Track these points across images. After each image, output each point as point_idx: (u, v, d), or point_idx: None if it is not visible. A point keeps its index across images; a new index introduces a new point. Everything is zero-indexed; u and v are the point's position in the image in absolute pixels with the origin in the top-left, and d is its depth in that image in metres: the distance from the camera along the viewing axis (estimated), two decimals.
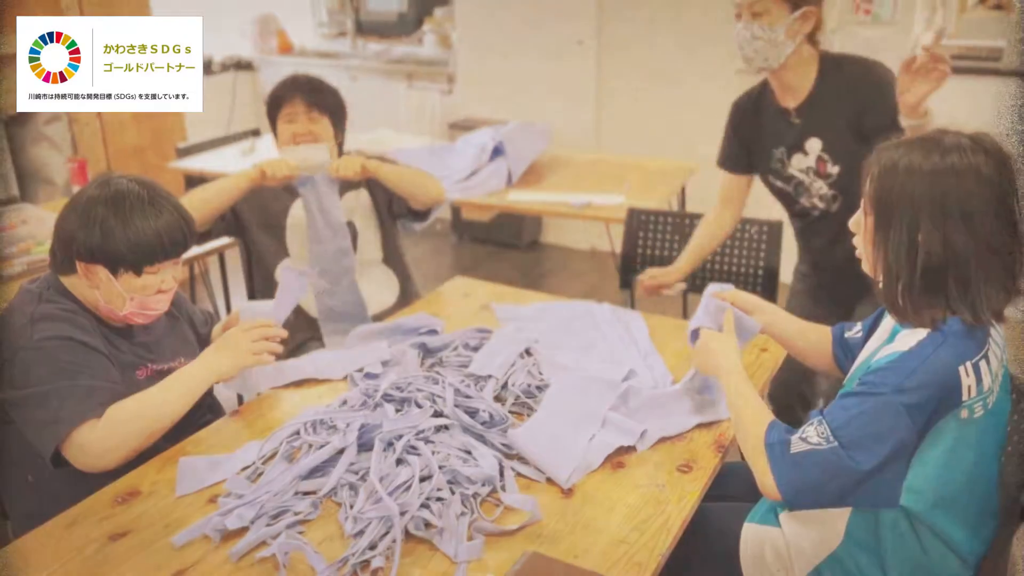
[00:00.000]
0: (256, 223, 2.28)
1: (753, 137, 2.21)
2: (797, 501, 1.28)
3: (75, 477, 1.44)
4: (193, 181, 3.68)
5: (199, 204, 2.07)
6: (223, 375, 1.59)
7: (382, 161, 2.28)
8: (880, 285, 1.29)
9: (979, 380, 1.20)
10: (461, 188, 3.17)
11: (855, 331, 1.55)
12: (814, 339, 1.61)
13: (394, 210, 2.36)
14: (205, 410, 1.71)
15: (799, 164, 2.13)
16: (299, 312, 2.27)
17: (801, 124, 2.10)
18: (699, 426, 1.56)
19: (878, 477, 1.20)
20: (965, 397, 1.19)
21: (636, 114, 4.38)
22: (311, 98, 2.22)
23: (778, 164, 2.17)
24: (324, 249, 2.20)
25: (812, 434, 1.23)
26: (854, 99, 2.01)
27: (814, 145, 2.09)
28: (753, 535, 1.44)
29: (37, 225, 2.67)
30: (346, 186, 2.26)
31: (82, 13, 3.87)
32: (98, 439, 1.40)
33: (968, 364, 1.19)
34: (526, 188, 3.17)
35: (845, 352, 1.55)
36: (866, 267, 1.34)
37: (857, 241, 1.36)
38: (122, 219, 1.49)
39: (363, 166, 2.18)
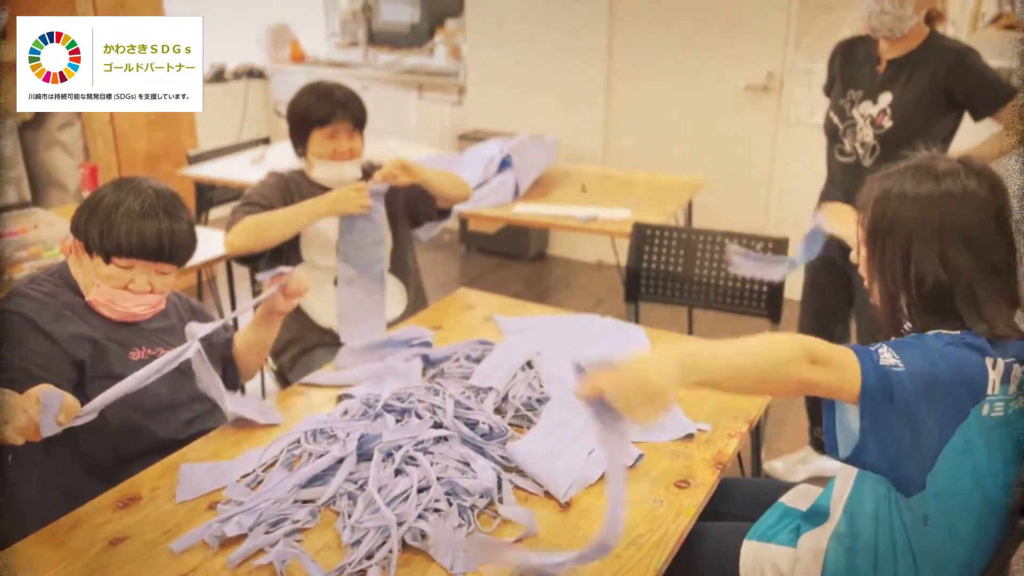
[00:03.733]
0: None
1: (842, 72, 2.43)
2: (871, 404, 1.13)
3: (57, 459, 1.47)
4: (203, 188, 3.71)
5: (266, 228, 2.10)
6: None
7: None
8: (884, 314, 1.30)
9: (1006, 379, 1.20)
10: (468, 199, 3.18)
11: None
12: None
13: (422, 211, 2.40)
14: (208, 403, 1.71)
15: (864, 110, 2.33)
16: (307, 320, 2.28)
17: (884, 76, 2.31)
18: (697, 442, 1.57)
19: (920, 439, 1.15)
20: (990, 391, 1.19)
21: (644, 128, 4.40)
22: (355, 117, 2.24)
23: (847, 103, 2.37)
24: (360, 255, 2.22)
25: (888, 357, 1.15)
26: (942, 69, 2.22)
27: (885, 98, 2.29)
28: (754, 552, 1.44)
29: (48, 230, 2.69)
30: None
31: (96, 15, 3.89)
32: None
33: (1001, 360, 1.19)
34: (533, 200, 3.18)
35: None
36: (872, 298, 1.34)
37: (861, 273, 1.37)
38: (112, 205, 1.53)
39: (403, 165, 2.19)
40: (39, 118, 3.84)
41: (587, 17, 4.35)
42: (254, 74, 5.64)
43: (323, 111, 2.20)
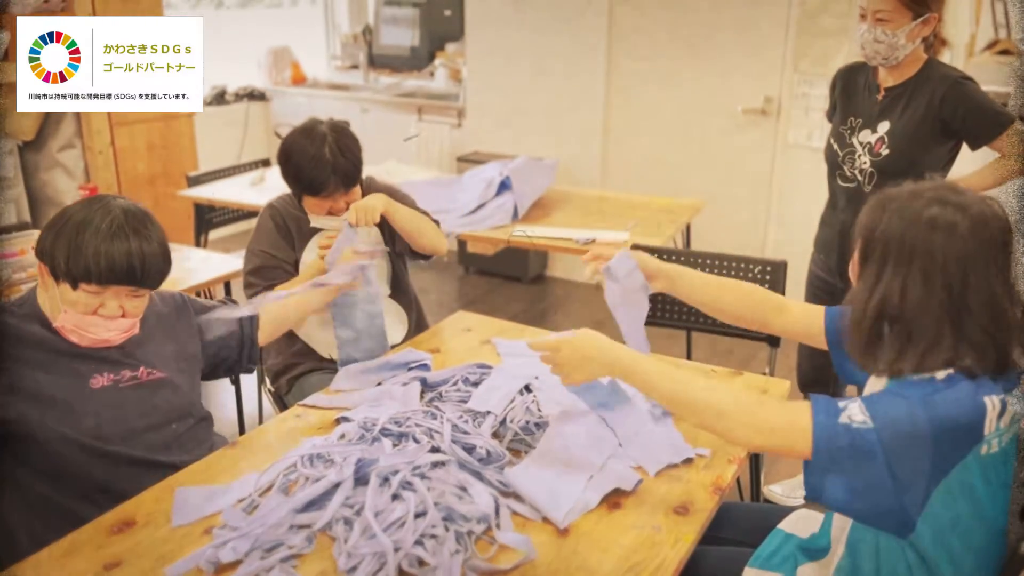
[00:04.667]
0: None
1: (842, 99, 2.44)
2: (820, 468, 1.17)
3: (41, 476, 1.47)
4: (203, 209, 3.72)
5: (284, 324, 2.04)
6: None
7: (398, 201, 2.23)
8: (849, 321, 1.28)
9: (1000, 415, 1.18)
10: (467, 222, 3.19)
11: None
12: (756, 299, 1.63)
13: (395, 245, 2.34)
14: (191, 420, 1.70)
15: (864, 138, 2.34)
16: (307, 347, 2.28)
17: (882, 105, 2.32)
18: (696, 467, 1.56)
19: (903, 493, 1.15)
20: (987, 431, 1.17)
21: (643, 151, 4.42)
22: (347, 181, 2.14)
23: (847, 130, 2.38)
24: (351, 302, 2.10)
25: (856, 412, 1.16)
26: (938, 97, 2.21)
27: (883, 126, 2.30)
28: None
29: None
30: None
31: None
32: None
33: (994, 397, 1.17)
34: (532, 223, 3.19)
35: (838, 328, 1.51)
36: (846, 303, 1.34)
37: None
38: (75, 228, 1.46)
39: (383, 212, 2.10)
40: (40, 139, 3.85)
41: (586, 41, 4.38)
42: (255, 96, 5.67)
43: (316, 182, 2.10)
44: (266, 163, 4.07)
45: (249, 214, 3.71)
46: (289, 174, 2.16)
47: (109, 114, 4.01)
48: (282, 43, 5.74)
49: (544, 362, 1.47)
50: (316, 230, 2.24)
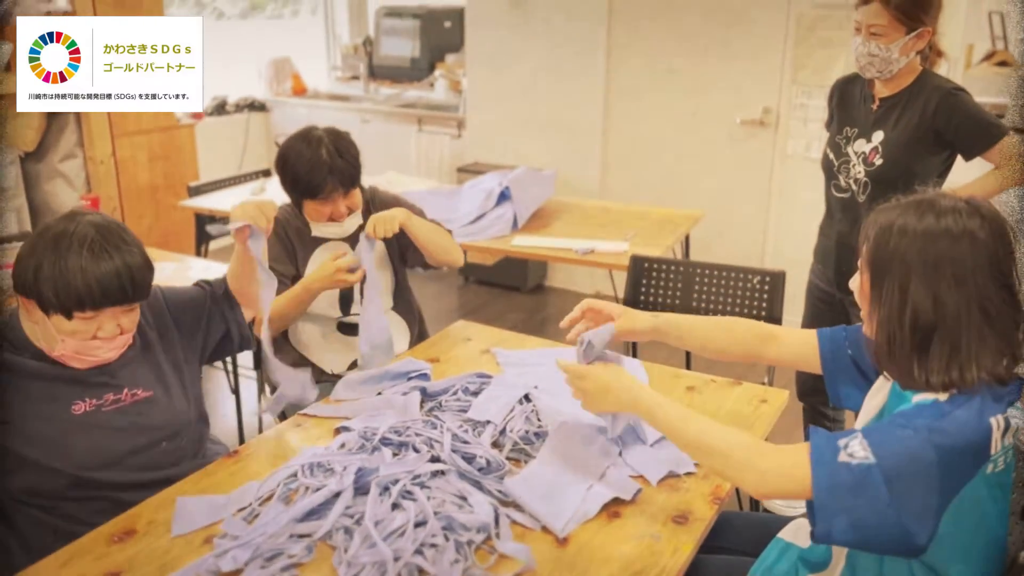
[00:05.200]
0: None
1: (839, 109, 2.45)
2: (826, 509, 1.17)
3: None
4: (203, 220, 3.73)
5: (280, 323, 2.10)
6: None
7: (412, 212, 2.24)
8: (875, 347, 1.29)
9: (1004, 433, 1.19)
10: (467, 232, 3.20)
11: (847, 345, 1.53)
12: (744, 334, 1.63)
13: (408, 259, 2.34)
14: (181, 438, 1.68)
15: (859, 147, 2.35)
16: (312, 365, 2.27)
17: (877, 115, 2.32)
18: (695, 477, 1.56)
19: (911, 523, 1.14)
20: (993, 451, 1.17)
21: (642, 162, 4.43)
22: (347, 182, 2.13)
23: (843, 140, 2.39)
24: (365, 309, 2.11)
25: (858, 448, 1.17)
26: (931, 106, 2.22)
27: (878, 136, 2.30)
28: None
29: None
30: (360, 231, 2.26)
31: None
32: None
33: (1000, 417, 1.18)
34: (531, 233, 3.20)
35: (837, 356, 1.54)
36: (865, 329, 1.33)
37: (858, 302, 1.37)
38: (55, 259, 1.42)
39: (402, 224, 2.10)
40: (41, 149, 3.87)
41: (585, 52, 4.40)
42: (255, 107, 5.70)
43: (313, 184, 2.10)
44: (267, 173, 4.09)
45: None
46: (287, 179, 2.15)
47: (110, 125, 4.03)
48: (283, 54, 5.77)
49: (568, 384, 1.52)
50: (319, 241, 2.24)
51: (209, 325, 1.78)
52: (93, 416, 1.55)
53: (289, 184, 2.16)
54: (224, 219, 3.71)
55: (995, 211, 1.23)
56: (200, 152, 4.53)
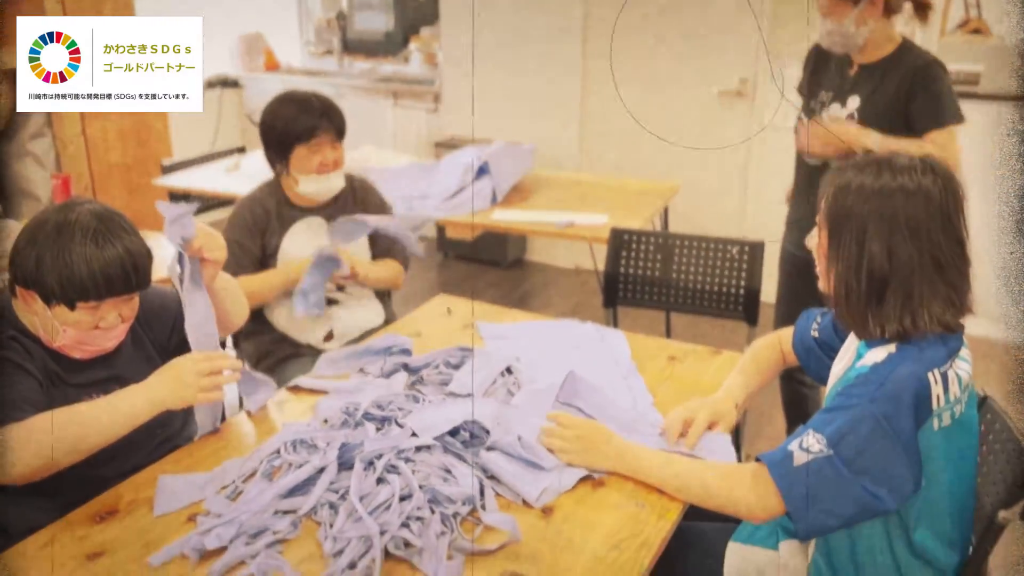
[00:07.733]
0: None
1: (814, 73, 2.44)
2: (803, 513, 1.25)
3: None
4: (177, 198, 3.68)
5: (256, 297, 2.09)
6: (165, 406, 1.46)
7: (380, 212, 2.33)
8: (834, 300, 1.34)
9: (946, 389, 1.24)
10: (446, 207, 3.18)
11: (814, 330, 1.61)
12: (769, 355, 1.71)
13: (376, 249, 2.38)
14: (180, 426, 1.68)
15: (833, 112, 2.33)
16: (281, 335, 2.27)
17: (854, 80, 2.30)
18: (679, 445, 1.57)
19: (889, 492, 1.22)
20: (935, 406, 1.23)
21: (620, 135, 4.42)
22: (337, 127, 2.18)
23: (818, 105, 2.38)
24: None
25: (812, 443, 1.25)
26: (907, 81, 2.20)
27: (853, 102, 2.29)
28: (738, 555, 1.45)
29: None
30: (338, 212, 2.26)
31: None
32: (13, 445, 1.32)
33: (936, 372, 1.24)
34: (510, 207, 3.19)
35: (806, 347, 1.63)
36: (822, 284, 1.38)
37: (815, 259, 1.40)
38: (58, 250, 1.42)
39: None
40: (10, 129, 3.78)
41: (561, 25, 4.37)
42: (228, 83, 5.61)
43: (305, 125, 2.13)
44: (241, 150, 4.04)
45: (225, 202, 3.68)
46: (277, 128, 2.15)
47: None
48: (254, 29, 5.67)
49: (549, 435, 1.51)
50: (296, 216, 2.23)
51: (173, 330, 1.73)
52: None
53: (279, 132, 2.15)
54: (199, 196, 3.67)
55: (948, 169, 1.29)
56: (172, 130, 4.45)
